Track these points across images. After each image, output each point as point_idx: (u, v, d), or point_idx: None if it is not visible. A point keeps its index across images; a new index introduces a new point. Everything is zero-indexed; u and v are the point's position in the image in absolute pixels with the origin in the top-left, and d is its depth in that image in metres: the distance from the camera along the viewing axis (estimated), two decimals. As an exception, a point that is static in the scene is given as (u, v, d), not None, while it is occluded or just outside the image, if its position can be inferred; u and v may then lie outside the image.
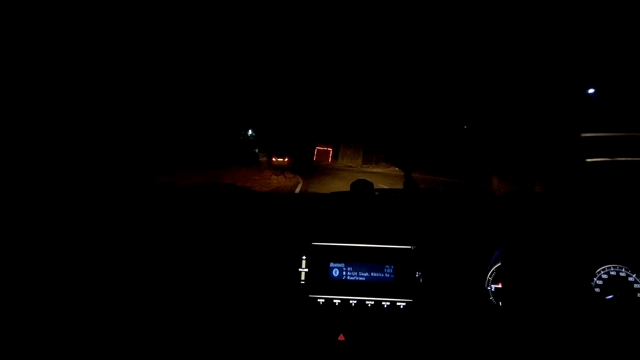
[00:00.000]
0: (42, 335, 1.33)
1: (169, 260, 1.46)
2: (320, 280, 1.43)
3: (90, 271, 1.43)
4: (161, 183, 1.86)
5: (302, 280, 1.43)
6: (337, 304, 1.40)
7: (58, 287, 1.39)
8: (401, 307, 1.38)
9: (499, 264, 1.43)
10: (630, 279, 1.39)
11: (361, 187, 1.60)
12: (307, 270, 1.44)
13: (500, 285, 1.41)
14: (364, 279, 1.41)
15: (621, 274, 1.39)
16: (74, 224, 1.47)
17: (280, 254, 1.46)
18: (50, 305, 1.36)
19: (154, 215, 1.53)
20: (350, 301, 1.40)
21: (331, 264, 1.43)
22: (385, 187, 1.68)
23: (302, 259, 1.44)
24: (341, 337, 1.35)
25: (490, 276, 1.43)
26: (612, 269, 1.40)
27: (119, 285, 1.43)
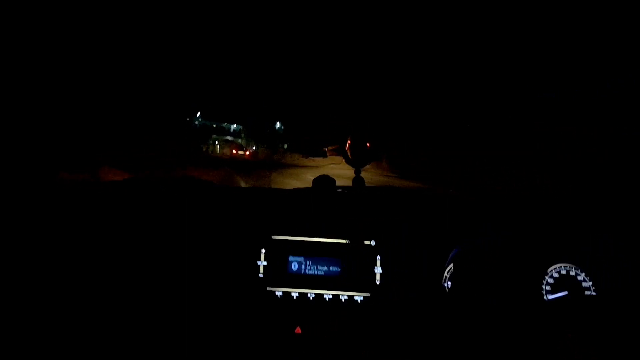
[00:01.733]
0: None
1: (126, 256, 1.42)
2: (279, 273, 1.41)
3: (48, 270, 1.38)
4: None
5: (261, 274, 1.41)
6: (295, 297, 1.39)
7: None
8: (359, 301, 1.38)
9: (457, 260, 1.45)
10: (579, 277, 1.44)
11: (323, 183, 1.60)
12: (265, 263, 1.42)
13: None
14: (322, 272, 1.41)
15: (571, 272, 1.44)
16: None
17: (240, 246, 1.44)
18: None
19: (115, 209, 1.50)
20: (309, 295, 1.39)
21: (290, 258, 1.43)
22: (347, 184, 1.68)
23: (262, 252, 1.43)
24: (298, 330, 1.34)
25: (447, 273, 1.45)
26: (562, 268, 1.44)
27: (78, 279, 1.38)
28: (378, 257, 1.42)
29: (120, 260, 1.42)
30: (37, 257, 1.41)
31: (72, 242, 1.43)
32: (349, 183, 1.69)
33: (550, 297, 1.42)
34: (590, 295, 1.41)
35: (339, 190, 1.66)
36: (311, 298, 1.39)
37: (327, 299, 1.38)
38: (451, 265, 1.46)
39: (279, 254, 1.43)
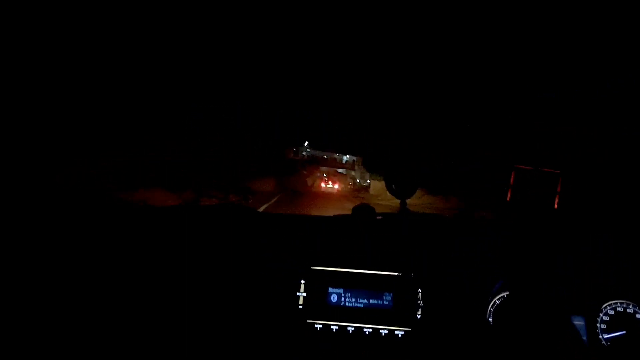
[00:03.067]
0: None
1: (167, 282, 1.46)
2: (318, 305, 1.41)
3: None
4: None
5: (300, 305, 1.41)
6: (334, 330, 1.38)
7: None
8: (399, 335, 1.35)
9: (502, 294, 1.40)
10: (638, 315, 1.34)
11: (363, 211, 1.59)
12: (305, 294, 1.42)
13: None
14: (362, 305, 1.39)
15: (628, 310, 1.35)
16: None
17: (279, 277, 1.45)
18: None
19: (154, 236, 1.54)
20: (348, 328, 1.37)
21: (330, 289, 1.42)
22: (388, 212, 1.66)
23: (301, 283, 1.43)
24: None
25: (492, 307, 1.40)
26: (618, 305, 1.36)
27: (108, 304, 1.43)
28: (419, 290, 1.39)
29: (162, 288, 1.46)
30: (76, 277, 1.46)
31: (119, 262, 1.48)
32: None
33: (607, 336, 1.33)
34: None
35: (379, 217, 1.64)
36: (350, 331, 1.37)
37: (366, 333, 1.36)
38: (496, 299, 1.40)
39: (319, 285, 1.43)
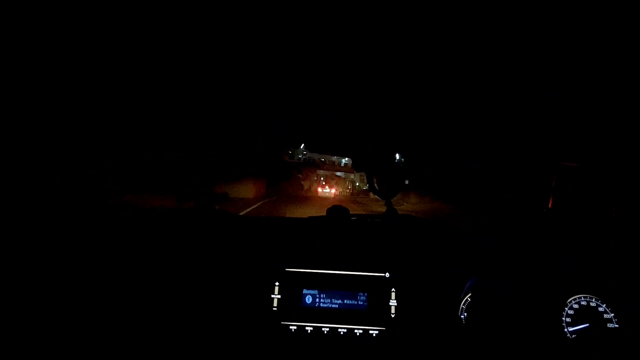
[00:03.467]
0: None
1: (137, 286, 1.43)
2: (293, 307, 1.41)
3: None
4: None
5: (275, 307, 1.41)
6: (309, 331, 1.38)
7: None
8: (374, 335, 1.37)
9: (473, 292, 1.43)
10: (600, 309, 1.40)
11: (337, 212, 1.60)
12: (279, 296, 1.42)
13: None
14: (337, 306, 1.40)
15: (591, 304, 1.40)
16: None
17: (253, 279, 1.44)
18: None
19: (125, 240, 1.51)
20: (323, 329, 1.38)
21: (304, 291, 1.42)
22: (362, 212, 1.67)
23: (275, 285, 1.43)
24: None
25: (463, 304, 1.43)
26: (582, 299, 1.41)
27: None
28: (393, 289, 1.41)
29: (132, 290, 1.43)
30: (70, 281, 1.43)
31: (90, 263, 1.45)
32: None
33: (571, 329, 1.38)
34: (613, 327, 1.37)
35: (353, 218, 1.65)
36: (325, 332, 1.37)
37: (341, 333, 1.37)
38: (467, 297, 1.44)
39: (293, 287, 1.43)
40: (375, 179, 1.69)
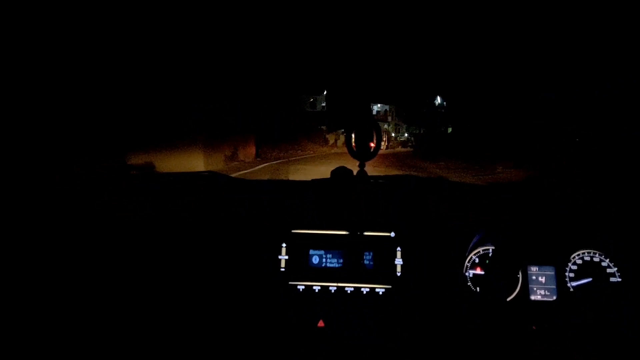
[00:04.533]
0: None
1: (145, 251, 1.44)
2: (300, 267, 1.43)
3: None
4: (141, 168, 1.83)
5: (282, 268, 1.43)
6: (316, 290, 1.40)
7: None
8: (380, 293, 1.39)
9: (477, 250, 1.45)
10: (603, 263, 1.42)
11: (341, 174, 1.60)
12: (287, 257, 1.43)
13: (478, 271, 1.43)
14: (343, 265, 1.42)
15: (595, 259, 1.42)
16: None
17: (260, 241, 1.45)
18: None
19: (129, 204, 1.52)
20: (330, 288, 1.40)
21: (311, 251, 1.43)
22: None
23: (282, 247, 1.44)
24: (321, 324, 1.36)
25: (468, 262, 1.45)
26: (586, 254, 1.42)
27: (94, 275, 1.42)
28: (398, 248, 1.42)
29: (141, 255, 1.45)
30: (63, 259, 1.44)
31: (95, 231, 1.47)
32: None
33: (574, 284, 1.41)
34: (615, 281, 1.39)
35: (357, 180, 1.65)
36: (333, 291, 1.40)
37: (348, 292, 1.39)
38: (472, 254, 1.45)
39: (300, 248, 1.44)
40: (353, 138, 1.61)
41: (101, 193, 1.53)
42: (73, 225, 1.48)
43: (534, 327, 1.32)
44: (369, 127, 1.59)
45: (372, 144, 1.58)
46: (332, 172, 1.61)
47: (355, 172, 1.60)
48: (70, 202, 1.51)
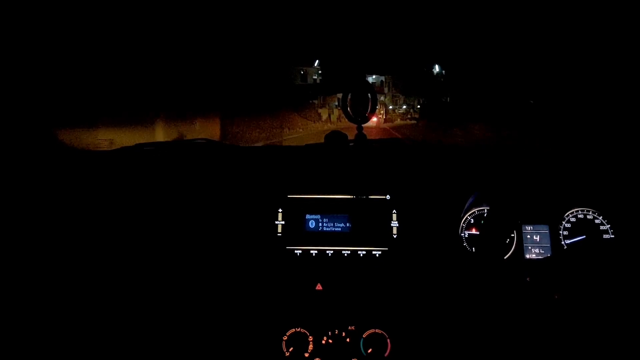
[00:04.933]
0: None
1: (142, 223, 1.44)
2: (297, 232, 1.43)
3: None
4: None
5: (279, 233, 1.43)
6: (314, 254, 1.41)
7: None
8: (377, 255, 1.40)
9: (472, 210, 1.45)
10: (597, 221, 1.43)
11: (335, 138, 1.58)
12: (283, 222, 1.44)
13: (473, 232, 1.45)
14: (340, 229, 1.42)
15: (588, 216, 1.44)
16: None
17: (256, 207, 1.45)
18: None
19: (120, 175, 1.50)
20: (327, 252, 1.41)
21: (307, 216, 1.43)
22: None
23: (279, 212, 1.44)
24: (319, 287, 1.37)
25: (463, 223, 1.45)
26: (579, 212, 1.44)
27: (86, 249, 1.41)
28: (394, 211, 1.42)
29: (136, 223, 1.44)
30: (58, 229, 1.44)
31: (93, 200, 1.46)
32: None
33: (568, 241, 1.43)
34: (609, 238, 1.41)
35: (351, 144, 1.63)
36: (330, 255, 1.41)
37: (345, 255, 1.40)
38: (467, 215, 1.46)
39: (296, 213, 1.44)
40: (349, 100, 1.59)
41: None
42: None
43: (527, 279, 1.34)
44: (364, 90, 1.56)
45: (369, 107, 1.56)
46: (326, 137, 1.59)
47: (350, 136, 1.59)
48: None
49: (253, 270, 1.41)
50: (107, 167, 1.53)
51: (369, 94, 1.57)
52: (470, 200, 1.44)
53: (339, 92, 1.62)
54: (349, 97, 1.58)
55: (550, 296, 1.32)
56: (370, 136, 1.58)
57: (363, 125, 1.59)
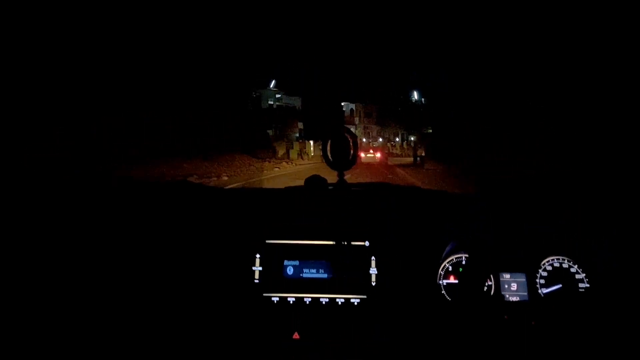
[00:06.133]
0: None
1: (116, 263, 1.40)
2: (275, 278, 1.41)
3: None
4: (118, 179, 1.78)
5: (256, 279, 1.41)
6: (291, 302, 1.39)
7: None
8: (355, 303, 1.38)
9: (450, 258, 1.46)
10: (572, 270, 1.45)
11: (315, 182, 1.58)
12: (261, 268, 1.41)
13: (451, 280, 1.44)
14: (318, 276, 1.41)
15: (564, 265, 1.45)
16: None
17: (234, 252, 1.43)
18: None
19: (102, 215, 1.47)
20: (305, 299, 1.39)
21: (285, 262, 1.42)
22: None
23: (256, 257, 1.42)
24: (296, 336, 1.34)
25: (442, 270, 1.45)
26: (555, 261, 1.45)
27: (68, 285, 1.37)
28: (373, 258, 1.42)
29: (112, 266, 1.40)
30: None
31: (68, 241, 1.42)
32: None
33: (545, 290, 1.43)
34: (585, 287, 1.43)
35: (331, 188, 1.64)
36: (308, 302, 1.38)
37: (323, 303, 1.38)
38: (445, 262, 1.46)
39: (274, 259, 1.42)
40: (329, 148, 1.59)
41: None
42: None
43: (506, 317, 1.34)
44: (344, 137, 1.58)
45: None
46: (306, 181, 1.59)
47: (328, 181, 1.59)
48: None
49: (229, 316, 1.38)
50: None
51: (351, 141, 1.58)
52: (448, 248, 1.45)
53: (320, 139, 1.62)
54: (329, 143, 1.58)
55: (527, 323, 1.33)
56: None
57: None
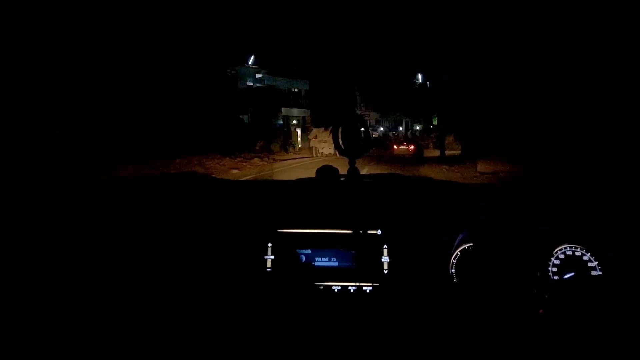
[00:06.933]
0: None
1: (129, 254, 1.42)
2: (287, 267, 1.42)
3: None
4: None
5: (269, 268, 1.42)
6: (303, 289, 1.40)
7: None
8: (367, 291, 1.39)
9: (463, 246, 1.46)
10: (584, 258, 1.44)
11: (327, 172, 1.59)
12: (273, 257, 1.42)
13: (463, 268, 1.44)
14: (330, 264, 1.42)
15: (577, 253, 1.45)
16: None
17: (246, 241, 1.44)
18: None
19: (113, 208, 1.49)
20: (318, 286, 1.40)
21: (298, 251, 1.43)
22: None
23: (268, 247, 1.43)
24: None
25: (454, 259, 1.46)
26: (568, 249, 1.45)
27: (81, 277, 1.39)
28: (385, 246, 1.42)
29: (124, 258, 1.42)
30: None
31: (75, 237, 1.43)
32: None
33: (557, 278, 1.43)
34: (597, 275, 1.42)
35: (342, 179, 1.64)
36: (320, 290, 1.39)
37: (335, 291, 1.39)
38: (458, 252, 1.46)
39: (286, 247, 1.43)
40: (340, 135, 1.54)
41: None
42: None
43: (540, 311, 1.34)
44: (356, 124, 1.55)
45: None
46: (318, 171, 1.60)
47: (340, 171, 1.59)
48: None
49: (242, 304, 1.39)
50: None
51: (362, 128, 1.55)
52: (460, 236, 1.45)
53: (330, 126, 1.60)
54: (340, 131, 1.56)
55: (535, 311, 1.33)
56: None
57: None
